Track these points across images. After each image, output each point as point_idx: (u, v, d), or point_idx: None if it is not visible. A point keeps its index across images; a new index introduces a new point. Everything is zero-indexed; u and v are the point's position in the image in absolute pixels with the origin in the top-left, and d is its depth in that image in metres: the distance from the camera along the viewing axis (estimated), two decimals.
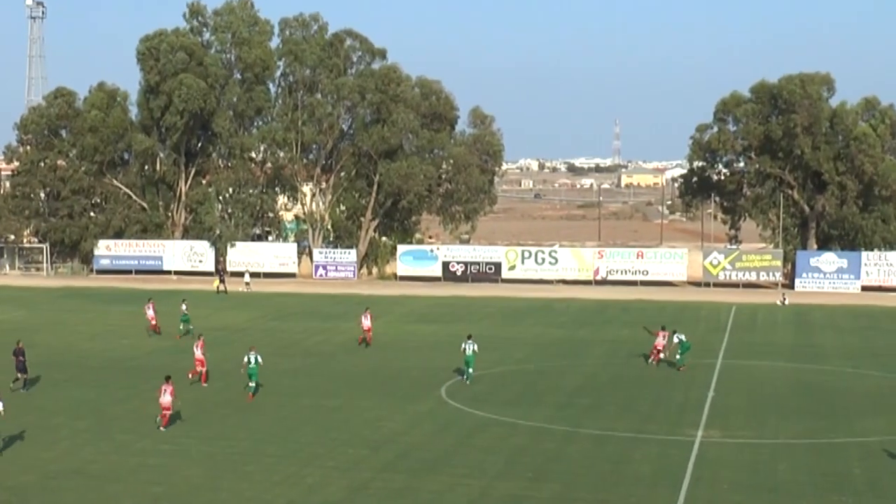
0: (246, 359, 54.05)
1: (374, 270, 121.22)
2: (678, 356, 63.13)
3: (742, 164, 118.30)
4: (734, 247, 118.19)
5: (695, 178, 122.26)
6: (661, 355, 64.02)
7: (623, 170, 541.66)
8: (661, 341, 64.16)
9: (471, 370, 58.36)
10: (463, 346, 58.82)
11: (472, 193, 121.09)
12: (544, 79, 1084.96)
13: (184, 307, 75.42)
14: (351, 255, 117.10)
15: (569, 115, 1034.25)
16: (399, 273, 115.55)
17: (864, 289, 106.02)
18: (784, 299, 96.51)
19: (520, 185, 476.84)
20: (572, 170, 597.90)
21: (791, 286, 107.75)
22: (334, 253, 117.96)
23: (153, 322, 74.64)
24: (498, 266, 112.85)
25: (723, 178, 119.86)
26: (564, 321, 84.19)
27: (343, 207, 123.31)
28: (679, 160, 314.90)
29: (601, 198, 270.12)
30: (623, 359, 66.72)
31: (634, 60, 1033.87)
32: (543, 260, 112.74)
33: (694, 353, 64.44)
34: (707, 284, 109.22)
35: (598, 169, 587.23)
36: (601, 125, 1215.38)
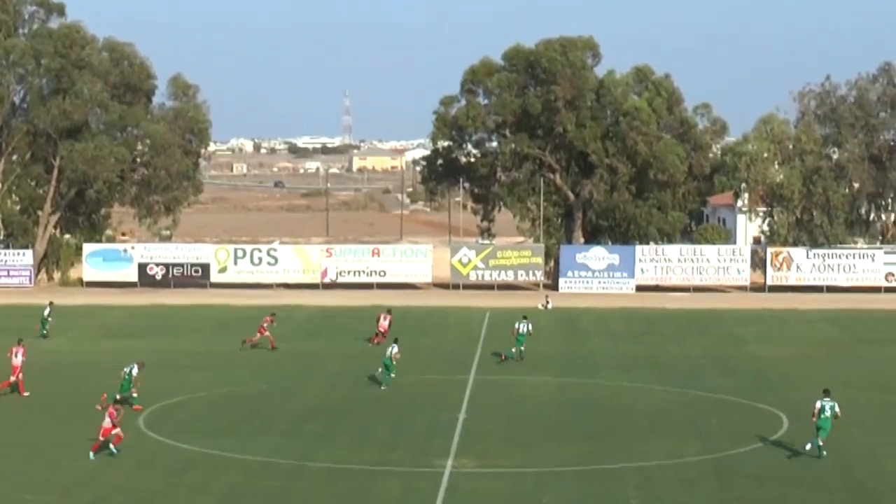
0: None
1: (56, 275, 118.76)
2: (513, 349, 70.46)
3: (495, 144, 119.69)
4: (487, 242, 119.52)
5: (440, 161, 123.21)
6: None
7: (355, 151, 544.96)
8: (384, 324, 71.45)
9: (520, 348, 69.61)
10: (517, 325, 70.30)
11: (173, 180, 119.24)
12: (259, 41, 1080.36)
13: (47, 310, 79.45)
14: (26, 257, 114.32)
15: (290, 84, 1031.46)
16: (86, 278, 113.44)
17: (640, 288, 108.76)
18: (547, 302, 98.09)
19: (231, 169, 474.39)
20: (294, 151, 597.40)
21: (555, 287, 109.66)
22: (5, 254, 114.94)
23: None
24: (206, 268, 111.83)
25: (473, 160, 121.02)
26: (288, 332, 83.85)
27: (16, 198, 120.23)
28: (421, 139, 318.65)
29: (329, 185, 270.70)
30: (359, 377, 66.91)
31: (368, 19, 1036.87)
32: (261, 260, 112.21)
33: (442, 368, 65.27)
34: (456, 286, 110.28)
35: (325, 150, 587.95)
36: (329, 98, 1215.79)
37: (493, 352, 74.00)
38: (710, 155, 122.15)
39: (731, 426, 54.43)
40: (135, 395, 56.45)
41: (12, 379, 59.50)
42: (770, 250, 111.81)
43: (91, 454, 47.08)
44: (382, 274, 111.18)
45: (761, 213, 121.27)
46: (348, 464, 47.62)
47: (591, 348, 78.03)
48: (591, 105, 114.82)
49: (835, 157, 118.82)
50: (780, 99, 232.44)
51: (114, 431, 47.60)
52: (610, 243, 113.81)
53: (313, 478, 45.77)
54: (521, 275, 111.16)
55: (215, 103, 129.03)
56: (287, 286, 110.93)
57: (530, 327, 71.76)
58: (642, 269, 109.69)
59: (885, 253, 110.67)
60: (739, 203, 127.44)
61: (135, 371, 57.12)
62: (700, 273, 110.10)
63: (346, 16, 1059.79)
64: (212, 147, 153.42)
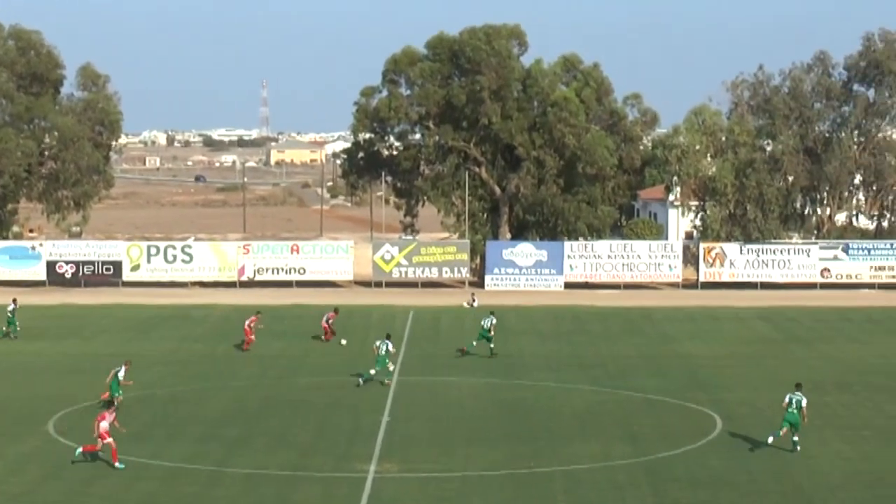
0: None
1: None
2: (474, 343, 73.58)
3: (418, 137, 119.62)
4: (411, 238, 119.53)
5: (361, 154, 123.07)
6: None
7: (273, 144, 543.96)
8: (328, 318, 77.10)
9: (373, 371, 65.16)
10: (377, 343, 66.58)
11: (83, 174, 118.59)
12: (173, 29, 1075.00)
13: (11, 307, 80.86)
14: None
15: (205, 75, 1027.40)
16: None
17: (568, 285, 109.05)
18: (473, 300, 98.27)
19: (144, 163, 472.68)
20: (209, 144, 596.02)
21: (481, 284, 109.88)
22: None
23: None
24: (118, 266, 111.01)
25: (395, 153, 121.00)
26: (203, 333, 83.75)
27: None
28: (342, 131, 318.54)
29: (246, 179, 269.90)
30: (277, 379, 66.83)
31: (287, 6, 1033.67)
32: (175, 257, 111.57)
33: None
34: (379, 284, 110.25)
35: (241, 143, 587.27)
36: (245, 88, 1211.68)
37: (456, 347, 75.30)
38: (641, 147, 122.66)
39: (663, 427, 54.71)
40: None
41: None
42: (703, 246, 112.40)
43: (78, 450, 47.47)
44: (302, 271, 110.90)
45: (693, 208, 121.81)
46: (267, 469, 47.60)
47: (519, 348, 78.09)
48: (517, 96, 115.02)
49: (769, 149, 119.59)
50: (712, 89, 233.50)
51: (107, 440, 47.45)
52: (538, 239, 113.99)
53: (232, 484, 45.66)
54: (446, 272, 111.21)
55: (127, 94, 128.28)
56: (203, 284, 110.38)
57: (494, 321, 74.21)
58: (571, 266, 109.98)
59: (821, 248, 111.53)
60: (671, 197, 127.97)
61: (121, 373, 56.61)
62: (631, 270, 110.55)
63: (263, 2, 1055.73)
64: (123, 140, 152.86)
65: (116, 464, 46.40)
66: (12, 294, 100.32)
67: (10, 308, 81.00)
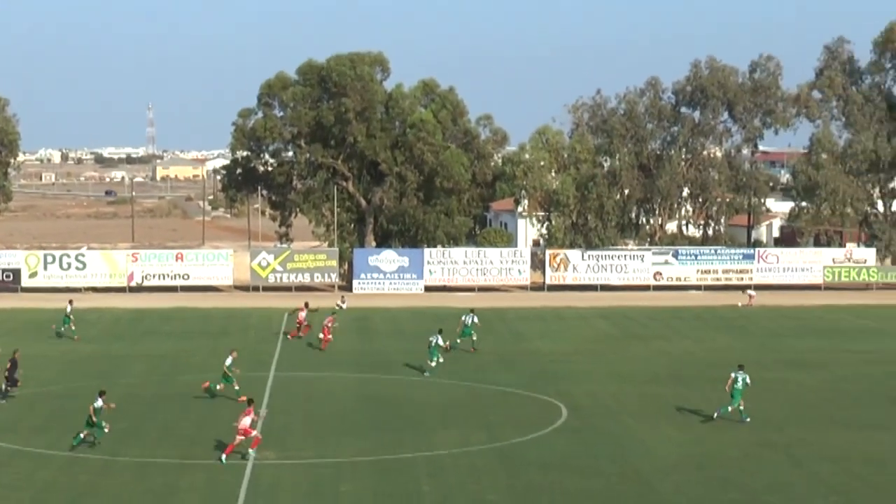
0: None
1: None
2: (458, 340, 74.14)
3: (291, 154, 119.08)
4: (285, 246, 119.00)
5: (239, 170, 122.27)
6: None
7: (158, 161, 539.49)
8: (302, 316, 78.73)
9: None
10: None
11: None
12: (66, 54, 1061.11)
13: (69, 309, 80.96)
14: None
15: (95, 96, 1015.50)
16: None
17: (428, 289, 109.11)
18: (342, 302, 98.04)
19: (41, 178, 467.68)
20: (100, 161, 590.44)
21: (349, 288, 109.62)
22: None
23: None
24: (17, 273, 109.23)
25: (270, 168, 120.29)
26: (96, 334, 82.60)
27: None
28: (222, 149, 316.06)
29: (134, 193, 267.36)
30: (165, 376, 66.10)
31: (168, 32, 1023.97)
32: (70, 265, 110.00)
33: (244, 366, 64.56)
34: (256, 288, 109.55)
35: (129, 160, 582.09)
36: (132, 110, 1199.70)
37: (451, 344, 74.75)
38: (492, 163, 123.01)
39: (515, 417, 54.83)
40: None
41: None
42: (548, 252, 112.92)
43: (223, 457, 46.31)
44: (186, 277, 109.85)
45: (540, 218, 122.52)
46: (155, 458, 47.08)
47: (384, 346, 77.95)
48: (380, 117, 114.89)
49: (607, 165, 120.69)
50: (555, 111, 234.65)
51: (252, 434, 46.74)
52: (400, 247, 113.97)
53: (122, 472, 45.15)
54: (318, 277, 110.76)
55: (24, 115, 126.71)
56: (95, 290, 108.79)
57: (476, 319, 76.06)
58: (430, 271, 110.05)
59: (654, 254, 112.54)
60: (520, 208, 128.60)
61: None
62: (484, 274, 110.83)
63: (147, 30, 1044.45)
64: (21, 157, 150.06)
65: (224, 457, 46.22)
66: None
67: (68, 309, 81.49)
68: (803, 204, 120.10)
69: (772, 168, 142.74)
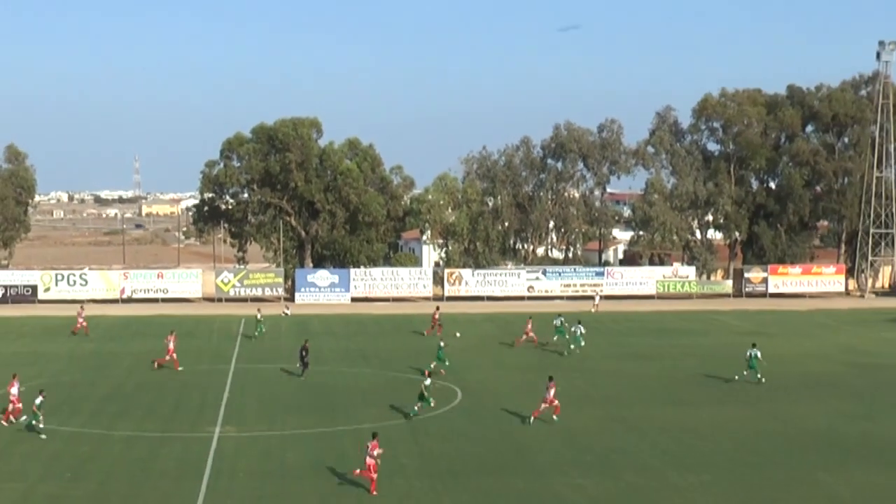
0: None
1: None
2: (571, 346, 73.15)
3: (246, 195, 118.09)
4: (242, 267, 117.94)
5: (206, 208, 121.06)
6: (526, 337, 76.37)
7: (143, 200, 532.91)
8: (529, 328, 76.83)
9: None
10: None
11: (8, 223, 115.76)
12: (70, 117, 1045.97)
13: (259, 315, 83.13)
14: None
15: (94, 150, 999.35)
16: None
17: (354, 300, 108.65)
18: (287, 310, 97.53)
19: (52, 214, 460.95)
20: (99, 201, 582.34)
21: (292, 299, 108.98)
22: None
23: None
24: (35, 288, 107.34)
25: (230, 207, 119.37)
26: (95, 336, 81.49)
27: None
28: (192, 192, 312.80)
29: (125, 226, 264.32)
30: (147, 368, 65.35)
31: (152, 97, 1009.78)
32: (75, 282, 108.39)
33: (210, 361, 64.24)
34: (220, 300, 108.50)
35: (121, 200, 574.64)
36: (123, 160, 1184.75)
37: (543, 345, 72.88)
38: (403, 203, 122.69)
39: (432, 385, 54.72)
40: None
41: None
42: (446, 271, 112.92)
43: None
44: (165, 291, 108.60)
45: (439, 244, 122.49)
46: (142, 432, 46.66)
47: (320, 344, 77.42)
48: (316, 167, 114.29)
49: (491, 204, 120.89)
50: (451, 162, 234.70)
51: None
52: (331, 267, 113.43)
53: (116, 443, 44.84)
54: (268, 291, 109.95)
55: (38, 165, 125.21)
56: (95, 301, 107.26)
57: (581, 329, 74.70)
58: (355, 286, 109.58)
59: (527, 272, 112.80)
60: (424, 237, 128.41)
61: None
62: (397, 288, 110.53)
63: (135, 95, 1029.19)
64: (37, 198, 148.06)
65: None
66: None
67: (259, 315, 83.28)
68: (641, 233, 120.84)
69: (617, 205, 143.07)
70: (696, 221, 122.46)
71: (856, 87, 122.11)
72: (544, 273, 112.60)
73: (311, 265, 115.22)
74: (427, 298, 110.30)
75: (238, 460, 41.97)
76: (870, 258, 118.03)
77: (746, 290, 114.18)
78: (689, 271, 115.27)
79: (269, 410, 52.24)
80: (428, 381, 51.51)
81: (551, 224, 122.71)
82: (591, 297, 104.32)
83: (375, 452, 38.39)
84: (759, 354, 60.78)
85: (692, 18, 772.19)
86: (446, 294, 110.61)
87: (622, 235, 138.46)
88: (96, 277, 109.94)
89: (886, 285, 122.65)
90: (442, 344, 67.45)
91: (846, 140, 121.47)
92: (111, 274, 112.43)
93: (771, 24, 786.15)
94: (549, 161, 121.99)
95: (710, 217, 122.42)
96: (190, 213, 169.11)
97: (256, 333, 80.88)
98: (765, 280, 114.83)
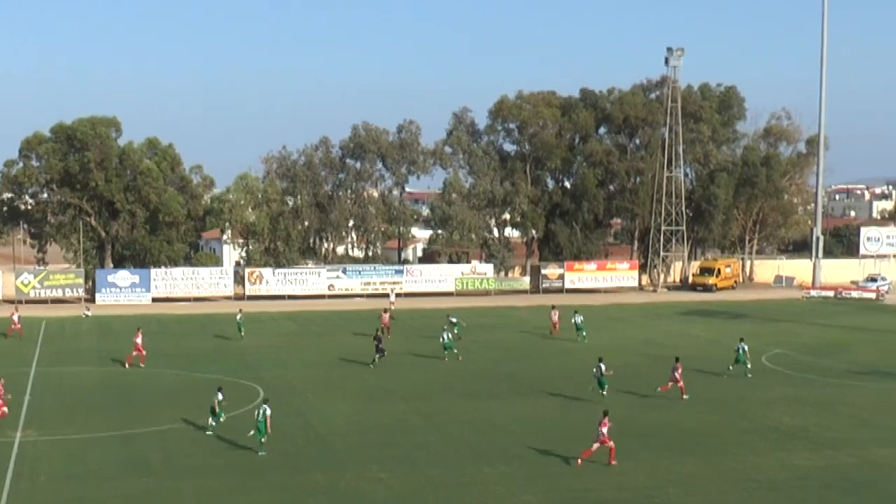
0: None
1: None
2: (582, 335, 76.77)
3: (46, 196, 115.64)
4: (42, 268, 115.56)
5: (5, 208, 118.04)
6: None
7: None
8: (555, 318, 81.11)
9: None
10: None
11: None
12: None
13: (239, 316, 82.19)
14: None
15: None
16: None
17: (155, 300, 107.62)
18: (87, 311, 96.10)
19: None
20: None
21: (93, 300, 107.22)
22: None
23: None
24: None
25: (30, 207, 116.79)
26: None
27: None
28: None
29: None
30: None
31: None
32: None
33: (11, 364, 63.11)
34: (20, 302, 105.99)
35: None
36: None
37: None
38: (203, 202, 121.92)
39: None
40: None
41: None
42: (247, 270, 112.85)
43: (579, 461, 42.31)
44: None
45: (240, 244, 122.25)
46: None
47: (121, 345, 76.62)
48: (115, 166, 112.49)
49: (291, 203, 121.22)
50: (252, 161, 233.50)
51: (607, 444, 41.90)
52: (132, 267, 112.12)
53: None
54: (69, 292, 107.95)
55: None
56: None
57: (456, 328, 77.15)
58: (156, 286, 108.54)
59: (328, 271, 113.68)
60: (225, 237, 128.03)
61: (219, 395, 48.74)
62: (198, 287, 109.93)
63: None
64: None
65: (613, 462, 41.77)
66: None
67: (238, 317, 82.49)
68: (439, 231, 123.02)
69: (416, 205, 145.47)
70: (493, 220, 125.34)
71: (646, 91, 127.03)
72: (344, 271, 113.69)
73: (111, 266, 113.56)
74: (228, 298, 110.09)
75: (40, 464, 41.69)
76: (661, 254, 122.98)
77: (543, 286, 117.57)
78: (488, 268, 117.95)
79: (72, 413, 51.76)
80: (220, 396, 48.70)
81: (351, 223, 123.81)
82: (387, 295, 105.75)
83: (605, 429, 41.73)
84: (746, 348, 62.58)
85: (488, 20, 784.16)
86: (247, 293, 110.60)
87: (421, 234, 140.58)
88: None
89: (678, 280, 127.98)
90: (454, 320, 78.47)
91: (637, 141, 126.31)
92: None
93: (563, 28, 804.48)
94: (349, 161, 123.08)
95: (507, 216, 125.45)
96: None
97: (242, 335, 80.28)
98: (561, 276, 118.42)
